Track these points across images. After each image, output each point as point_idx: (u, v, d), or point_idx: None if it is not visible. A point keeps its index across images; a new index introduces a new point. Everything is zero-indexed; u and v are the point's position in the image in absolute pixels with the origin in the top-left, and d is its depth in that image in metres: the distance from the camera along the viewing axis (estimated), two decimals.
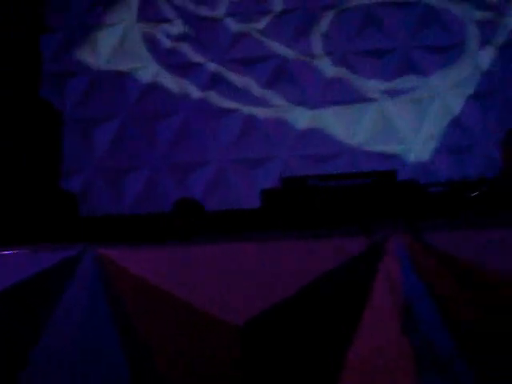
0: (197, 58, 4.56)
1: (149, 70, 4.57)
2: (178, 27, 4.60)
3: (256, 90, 4.49)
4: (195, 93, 4.52)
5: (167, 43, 4.61)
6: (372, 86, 4.40)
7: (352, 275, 1.61)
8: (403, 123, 4.36)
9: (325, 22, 4.55)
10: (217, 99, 4.50)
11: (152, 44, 4.62)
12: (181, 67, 4.57)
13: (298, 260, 1.66)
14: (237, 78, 4.49)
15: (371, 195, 1.73)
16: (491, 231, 1.58)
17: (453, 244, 1.57)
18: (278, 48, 4.52)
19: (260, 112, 4.46)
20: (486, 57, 4.35)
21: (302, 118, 4.43)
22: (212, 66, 4.52)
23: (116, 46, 4.62)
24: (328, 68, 4.48)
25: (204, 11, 4.63)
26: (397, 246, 1.59)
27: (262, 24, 4.57)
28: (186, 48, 4.58)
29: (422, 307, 1.54)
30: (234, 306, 1.59)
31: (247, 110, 4.47)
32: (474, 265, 1.53)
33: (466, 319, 1.51)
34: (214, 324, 1.56)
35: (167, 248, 1.75)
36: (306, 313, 1.58)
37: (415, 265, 1.58)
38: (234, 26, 4.58)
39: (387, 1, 4.50)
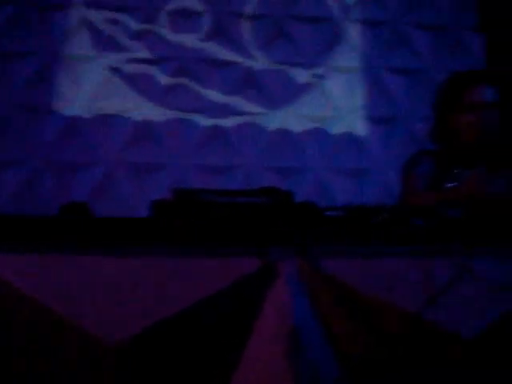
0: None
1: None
2: None
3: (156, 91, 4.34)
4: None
5: None
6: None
7: (241, 297, 1.54)
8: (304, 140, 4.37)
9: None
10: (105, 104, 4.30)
11: None
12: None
13: (185, 278, 1.55)
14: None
15: (267, 215, 1.65)
16: (387, 260, 1.56)
17: (348, 272, 1.54)
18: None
19: (157, 117, 4.31)
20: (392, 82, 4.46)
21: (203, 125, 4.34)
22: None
23: None
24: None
25: None
26: (289, 270, 1.53)
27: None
28: None
29: (309, 334, 1.49)
30: (108, 324, 1.45)
31: (139, 114, 4.30)
32: (366, 294, 1.51)
33: (354, 349, 1.49)
34: (85, 341, 1.42)
35: (38, 254, 1.58)
36: (189, 335, 1.49)
37: (306, 290, 1.53)
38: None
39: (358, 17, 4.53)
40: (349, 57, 4.48)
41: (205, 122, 4.32)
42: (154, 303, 1.50)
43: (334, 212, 1.78)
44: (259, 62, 4.44)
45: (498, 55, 4.34)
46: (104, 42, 4.36)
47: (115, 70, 4.33)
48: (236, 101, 4.34)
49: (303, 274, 1.54)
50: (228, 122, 4.33)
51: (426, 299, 1.49)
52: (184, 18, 4.43)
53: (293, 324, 1.47)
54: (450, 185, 2.22)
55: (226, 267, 1.55)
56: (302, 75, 4.41)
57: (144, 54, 4.37)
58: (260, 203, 1.78)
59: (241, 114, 4.34)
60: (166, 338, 1.46)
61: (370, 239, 1.61)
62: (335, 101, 4.42)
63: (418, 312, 1.47)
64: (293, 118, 4.36)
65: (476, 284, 1.49)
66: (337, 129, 4.41)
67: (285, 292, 1.51)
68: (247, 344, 1.46)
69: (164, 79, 4.34)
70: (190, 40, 4.40)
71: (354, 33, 4.49)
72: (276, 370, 1.45)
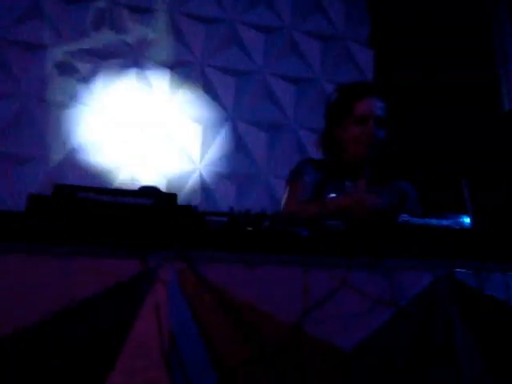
0: None
1: None
2: None
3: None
4: None
5: None
6: None
7: (119, 301, 1.47)
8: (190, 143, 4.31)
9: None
10: None
11: None
12: None
13: (59, 279, 1.46)
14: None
15: (149, 217, 1.59)
16: (268, 269, 1.56)
17: (228, 278, 1.52)
18: None
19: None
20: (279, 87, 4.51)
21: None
22: None
23: None
24: None
25: None
26: (169, 275, 1.49)
27: None
28: None
29: (187, 340, 1.46)
30: None
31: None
32: (246, 302, 1.50)
33: (232, 357, 1.47)
34: None
35: None
36: (61, 338, 1.40)
37: (186, 296, 1.50)
38: None
39: (252, 22, 4.49)
40: (239, 60, 4.48)
41: None
42: (27, 304, 1.40)
43: (217, 217, 1.74)
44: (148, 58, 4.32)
45: (385, 70, 4.53)
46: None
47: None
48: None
49: (183, 279, 1.51)
50: None
51: (304, 310, 1.49)
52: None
53: (170, 330, 1.43)
54: (332, 195, 2.25)
55: (104, 269, 1.49)
56: (190, 75, 4.36)
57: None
58: (142, 204, 1.71)
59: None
60: (36, 340, 1.37)
61: (251, 246, 1.59)
62: (222, 103, 4.40)
63: (297, 322, 1.48)
64: (178, 119, 4.30)
65: (353, 296, 1.52)
66: (223, 132, 4.39)
67: (164, 297, 1.46)
68: (122, 349, 1.40)
69: None
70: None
71: (245, 36, 4.50)
72: (152, 376, 1.41)
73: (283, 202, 2.39)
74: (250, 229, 1.66)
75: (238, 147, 4.37)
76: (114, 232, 1.55)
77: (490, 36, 4.52)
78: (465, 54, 4.35)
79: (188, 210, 1.72)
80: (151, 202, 1.74)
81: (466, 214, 1.87)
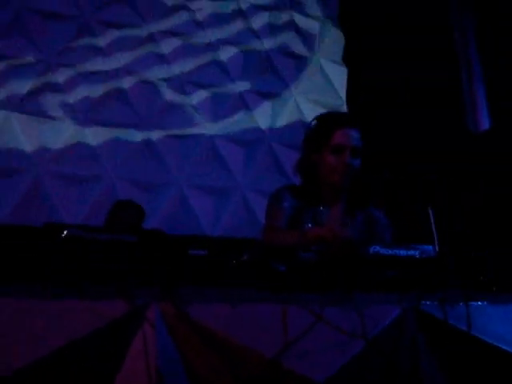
0: None
1: None
2: None
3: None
4: None
5: None
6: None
7: (106, 342, 1.54)
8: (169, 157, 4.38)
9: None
10: None
11: None
12: None
13: (47, 320, 1.53)
14: None
15: (134, 254, 1.67)
16: (247, 305, 1.65)
17: (211, 314, 1.60)
18: None
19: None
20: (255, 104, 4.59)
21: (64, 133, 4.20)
22: None
23: None
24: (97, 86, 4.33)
25: None
26: (155, 314, 1.57)
27: None
28: None
29: (175, 380, 1.54)
30: None
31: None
32: (230, 339, 1.59)
33: None
34: None
35: None
36: (52, 380, 1.47)
37: (172, 335, 1.58)
38: None
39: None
40: (217, 77, 4.57)
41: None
42: (14, 347, 1.47)
43: (200, 250, 1.83)
44: (129, 72, 4.39)
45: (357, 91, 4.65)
46: None
47: None
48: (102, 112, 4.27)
49: (168, 317, 1.58)
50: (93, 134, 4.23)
51: (283, 345, 1.60)
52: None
53: (158, 369, 1.51)
54: (309, 226, 2.36)
55: (91, 310, 1.55)
56: (169, 93, 4.43)
57: None
58: (126, 241, 1.79)
59: (107, 125, 4.27)
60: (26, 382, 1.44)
61: (233, 283, 1.69)
62: (200, 117, 4.48)
63: (277, 357, 1.59)
64: (157, 133, 4.37)
65: (328, 331, 1.64)
66: (200, 145, 4.47)
67: (151, 336, 1.53)
68: None
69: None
70: None
71: (225, 55, 4.58)
72: None
73: (263, 228, 2.48)
74: (232, 262, 1.76)
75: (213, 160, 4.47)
76: (99, 271, 1.62)
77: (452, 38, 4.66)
78: (430, 55, 4.49)
79: (172, 244, 1.80)
80: (135, 239, 1.82)
81: (432, 242, 2.00)
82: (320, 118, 2.57)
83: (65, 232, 1.79)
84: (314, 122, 2.55)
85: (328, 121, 2.53)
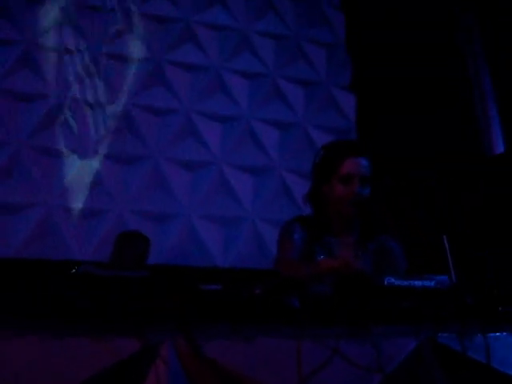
0: None
1: None
2: None
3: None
4: None
5: None
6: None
7: (120, 381, 1.52)
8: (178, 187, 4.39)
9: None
10: None
11: None
12: None
13: (62, 357, 1.52)
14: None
15: (146, 291, 1.66)
16: (261, 340, 1.63)
17: (225, 351, 1.59)
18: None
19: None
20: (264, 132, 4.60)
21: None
22: None
23: None
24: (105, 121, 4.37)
25: None
26: (168, 351, 1.55)
27: None
28: None
29: None
30: None
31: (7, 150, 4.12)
32: (243, 375, 1.57)
33: None
34: None
35: None
36: None
37: (185, 373, 1.56)
38: None
39: (236, 69, 4.57)
40: (225, 106, 4.59)
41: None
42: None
43: (212, 286, 1.81)
44: (136, 105, 4.43)
45: (367, 115, 4.66)
46: None
47: None
48: (109, 142, 4.30)
49: (182, 354, 1.56)
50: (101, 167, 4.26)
51: (299, 380, 1.58)
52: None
53: None
54: (321, 257, 2.34)
55: (105, 347, 1.54)
56: (178, 121, 4.47)
57: None
58: (138, 277, 1.78)
59: (114, 155, 4.29)
60: None
61: (247, 319, 1.67)
62: (210, 148, 4.49)
63: None
64: (166, 163, 4.39)
65: (344, 365, 1.61)
66: (210, 176, 4.48)
67: (165, 373, 1.52)
68: None
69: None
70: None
71: (231, 83, 4.61)
72: None
73: (275, 260, 2.46)
74: (244, 299, 1.74)
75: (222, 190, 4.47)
76: (112, 308, 1.61)
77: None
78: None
79: (184, 281, 1.79)
80: (147, 275, 1.81)
81: (448, 272, 1.98)
82: (328, 147, 2.55)
83: (76, 268, 1.79)
84: (321, 152, 2.55)
85: (336, 150, 2.51)
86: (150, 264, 3.50)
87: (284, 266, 2.35)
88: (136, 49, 4.47)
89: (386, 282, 1.91)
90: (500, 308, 1.81)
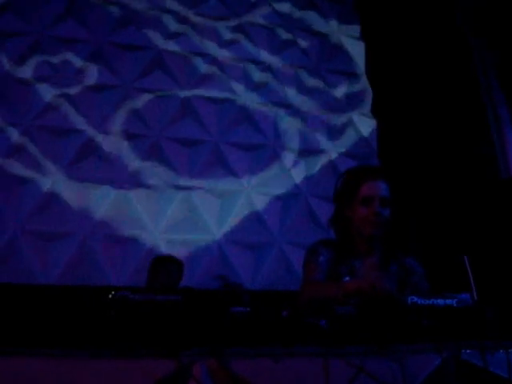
0: None
1: None
2: None
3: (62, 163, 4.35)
4: None
5: None
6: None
7: None
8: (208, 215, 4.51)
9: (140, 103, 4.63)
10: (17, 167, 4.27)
11: None
12: None
13: (99, 381, 1.60)
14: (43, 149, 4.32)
15: (179, 314, 1.74)
16: (291, 361, 1.69)
17: (255, 372, 1.65)
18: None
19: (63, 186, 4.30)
20: (290, 159, 4.72)
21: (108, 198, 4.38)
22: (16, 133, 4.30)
23: None
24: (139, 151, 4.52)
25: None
26: (201, 371, 1.62)
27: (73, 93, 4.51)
28: None
29: None
30: None
31: (47, 181, 4.29)
32: None
33: None
34: None
35: None
36: None
37: None
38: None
39: (205, 95, 4.73)
40: (252, 135, 4.74)
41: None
42: None
43: (241, 308, 1.89)
44: (163, 135, 4.59)
45: (388, 141, 4.74)
46: None
47: None
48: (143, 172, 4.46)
49: (214, 374, 1.63)
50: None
51: None
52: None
53: None
54: (347, 278, 2.41)
55: (141, 369, 1.62)
56: (206, 152, 4.61)
57: None
58: (171, 300, 1.86)
59: (147, 186, 4.44)
60: None
61: (275, 341, 1.74)
62: (238, 176, 4.62)
63: None
64: (195, 190, 4.52)
65: (370, 383, 1.67)
66: (238, 203, 4.59)
67: None
68: None
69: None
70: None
71: (257, 115, 4.76)
72: None
73: (302, 282, 2.54)
74: (271, 321, 1.81)
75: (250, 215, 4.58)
76: (146, 331, 1.70)
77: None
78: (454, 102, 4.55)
79: (214, 304, 1.87)
80: (180, 299, 1.90)
81: (468, 290, 2.03)
82: (348, 173, 2.64)
83: (113, 294, 1.88)
84: (342, 177, 2.63)
85: (355, 175, 2.60)
86: (183, 287, 3.64)
87: (310, 288, 2.43)
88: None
89: (409, 301, 1.97)
90: None
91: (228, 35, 4.83)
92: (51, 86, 4.44)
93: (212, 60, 4.84)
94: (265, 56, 4.88)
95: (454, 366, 1.74)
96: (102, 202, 4.30)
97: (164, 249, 4.32)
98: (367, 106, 4.97)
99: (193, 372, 1.62)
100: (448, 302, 1.97)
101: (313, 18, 5.09)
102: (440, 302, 1.97)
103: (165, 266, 3.78)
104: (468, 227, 3.88)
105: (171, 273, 3.75)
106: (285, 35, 4.95)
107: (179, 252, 4.24)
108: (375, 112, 4.89)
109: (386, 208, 2.52)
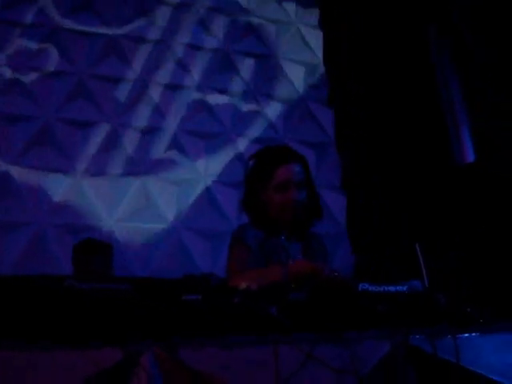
0: None
1: None
2: None
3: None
4: None
5: None
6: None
7: None
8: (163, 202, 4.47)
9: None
10: None
11: None
12: None
13: (46, 371, 1.56)
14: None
15: (127, 303, 1.71)
16: (239, 349, 1.68)
17: (205, 361, 1.63)
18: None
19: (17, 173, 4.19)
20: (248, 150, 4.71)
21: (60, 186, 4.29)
22: None
23: None
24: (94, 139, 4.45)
25: None
26: (150, 360, 1.60)
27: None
28: None
29: None
30: None
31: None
32: (222, 381, 1.62)
33: None
34: None
35: None
36: None
37: (166, 381, 1.60)
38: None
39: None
40: (209, 123, 4.71)
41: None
42: None
43: (192, 296, 1.86)
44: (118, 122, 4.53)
45: (344, 128, 4.77)
46: None
47: None
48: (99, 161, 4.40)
49: (162, 363, 1.60)
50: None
51: None
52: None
53: None
54: (291, 262, 2.35)
55: (88, 359, 1.58)
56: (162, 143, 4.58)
57: None
58: (123, 289, 1.83)
59: (103, 174, 4.37)
60: None
61: (226, 329, 1.72)
62: (195, 164, 4.59)
63: None
64: (152, 180, 4.48)
65: (319, 369, 1.67)
66: (196, 191, 4.56)
67: (144, 381, 1.57)
68: None
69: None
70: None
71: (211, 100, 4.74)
72: None
73: (229, 266, 2.46)
74: (223, 307, 1.79)
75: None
76: (94, 320, 1.66)
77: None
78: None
79: (164, 292, 1.84)
80: (129, 287, 1.86)
81: (419, 277, 2.05)
82: (259, 155, 2.55)
83: (62, 283, 1.83)
84: (253, 160, 2.54)
85: (268, 158, 2.51)
86: (136, 276, 3.58)
87: (250, 274, 2.26)
88: None
89: (360, 288, 1.97)
90: (468, 309, 1.88)
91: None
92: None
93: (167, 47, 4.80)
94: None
95: (404, 352, 1.75)
96: (55, 190, 4.20)
97: (120, 238, 4.25)
98: (325, 94, 4.98)
99: (141, 361, 1.60)
100: (399, 288, 1.98)
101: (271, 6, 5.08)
102: (391, 288, 1.98)
103: (98, 251, 3.52)
104: (420, 214, 3.93)
105: (107, 257, 3.50)
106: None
107: (136, 241, 4.19)
108: (332, 101, 4.91)
109: (303, 191, 2.46)
